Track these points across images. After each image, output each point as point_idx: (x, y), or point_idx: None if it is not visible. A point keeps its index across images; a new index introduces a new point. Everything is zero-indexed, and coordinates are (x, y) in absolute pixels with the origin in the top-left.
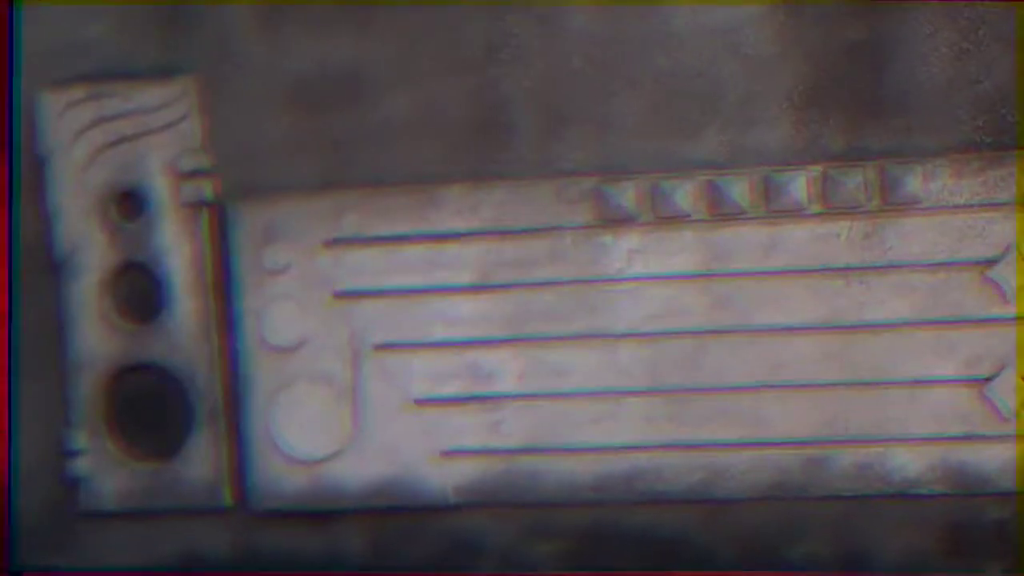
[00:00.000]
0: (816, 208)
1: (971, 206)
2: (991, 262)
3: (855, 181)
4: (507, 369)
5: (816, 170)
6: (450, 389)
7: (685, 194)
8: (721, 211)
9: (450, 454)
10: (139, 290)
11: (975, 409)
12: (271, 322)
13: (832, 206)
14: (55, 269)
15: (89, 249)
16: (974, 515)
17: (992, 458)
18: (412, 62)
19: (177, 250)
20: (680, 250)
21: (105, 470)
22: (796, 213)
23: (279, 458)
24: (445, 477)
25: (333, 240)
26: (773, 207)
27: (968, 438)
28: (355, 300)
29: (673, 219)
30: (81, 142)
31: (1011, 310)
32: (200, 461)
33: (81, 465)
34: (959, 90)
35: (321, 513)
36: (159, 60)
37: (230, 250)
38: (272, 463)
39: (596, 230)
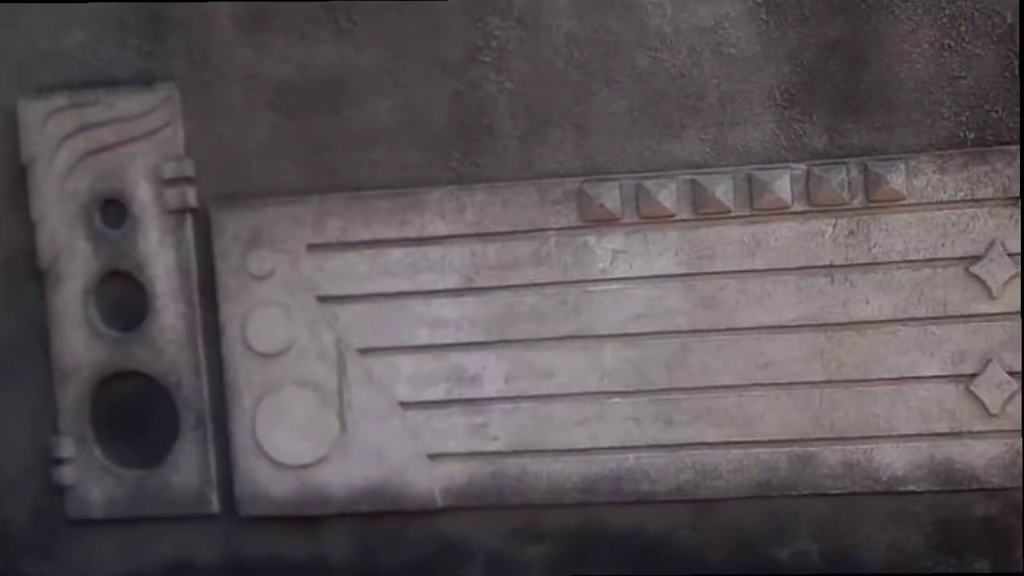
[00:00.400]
0: (800, 206)
1: (955, 202)
2: (975, 258)
3: (839, 179)
4: (492, 371)
5: (800, 168)
6: (435, 392)
7: (669, 194)
8: (705, 210)
9: (437, 457)
10: (123, 297)
11: (961, 405)
12: (256, 327)
13: (816, 204)
14: (38, 277)
15: (72, 256)
16: (961, 511)
17: (979, 454)
18: (393, 66)
19: (160, 257)
20: (664, 250)
21: (91, 477)
22: (780, 211)
23: (266, 463)
24: (432, 480)
25: (316, 245)
26: (757, 206)
27: (955, 434)
28: (339, 304)
29: (657, 219)
30: (63, 150)
31: (996, 306)
32: (187, 467)
33: (67, 472)
34: (941, 86)
35: (308, 518)
36: (141, 68)
37: (214, 256)
38: (259, 468)
39: (579, 231)
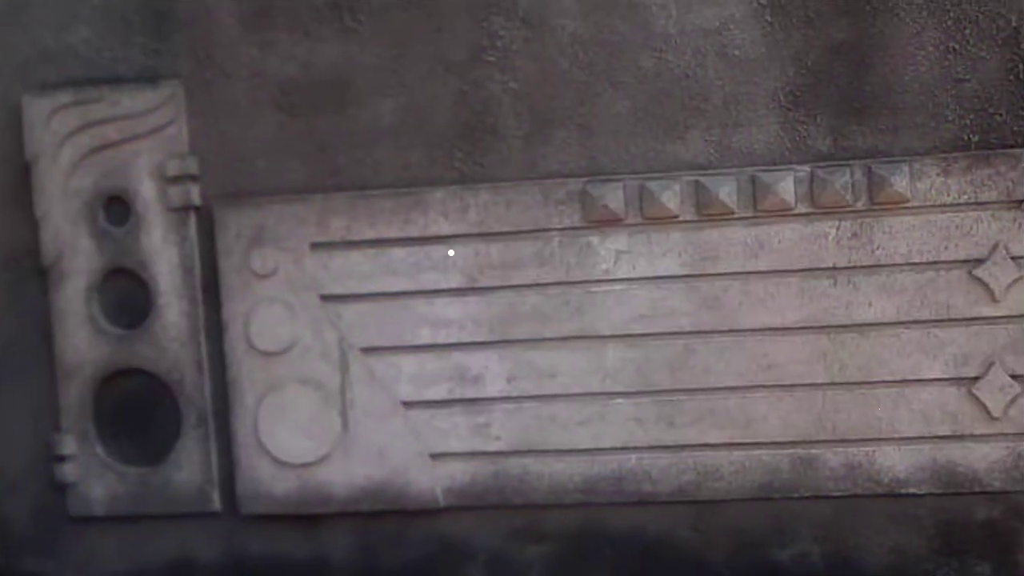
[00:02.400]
0: (803, 208)
1: (958, 205)
2: (979, 261)
3: (842, 181)
4: (494, 371)
5: (803, 170)
6: (438, 392)
7: (672, 195)
8: (708, 212)
9: (438, 457)
10: (126, 295)
11: (963, 408)
12: (258, 326)
13: (819, 206)
14: (41, 274)
15: (75, 254)
16: (963, 514)
17: (981, 457)
18: (397, 65)
19: (164, 254)
20: (667, 251)
21: (93, 475)
22: (783, 213)
23: (268, 462)
24: (434, 480)
25: (320, 243)
26: (760, 207)
27: (957, 437)
28: (342, 303)
29: (660, 220)
30: (67, 147)
31: (999, 309)
32: (189, 465)
33: (69, 470)
34: (945, 89)
35: (310, 516)
36: (145, 65)
37: (217, 254)
38: (261, 467)
39: (583, 231)
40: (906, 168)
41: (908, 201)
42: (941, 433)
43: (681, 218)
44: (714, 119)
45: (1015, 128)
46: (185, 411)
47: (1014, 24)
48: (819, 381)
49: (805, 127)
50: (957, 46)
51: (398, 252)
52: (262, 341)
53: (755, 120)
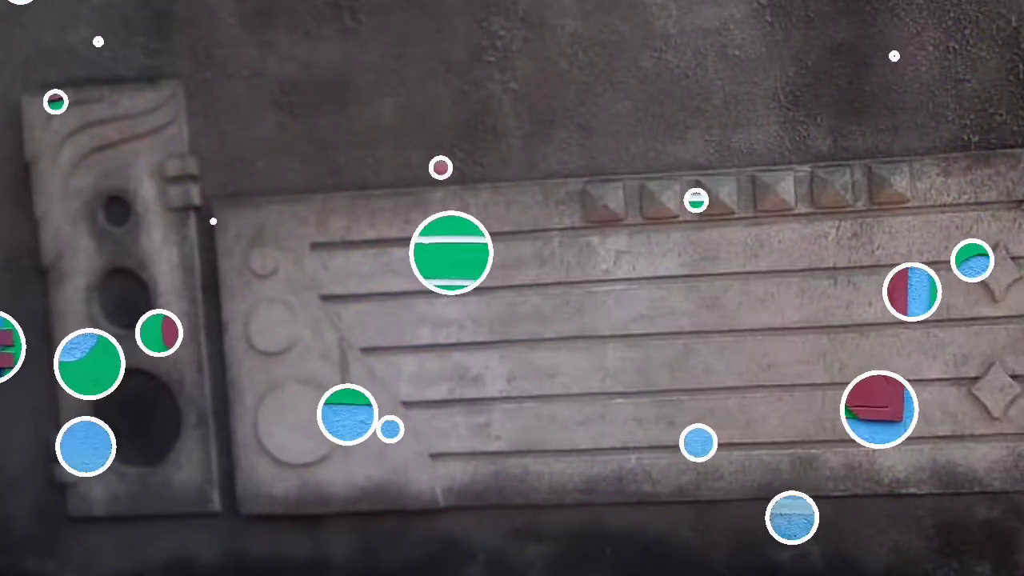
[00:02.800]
0: (803, 208)
1: (958, 205)
2: None
3: (842, 181)
4: (494, 371)
5: (803, 170)
6: (438, 392)
7: (672, 195)
8: (708, 212)
9: (438, 456)
10: (126, 295)
11: (963, 408)
12: (258, 325)
13: (819, 206)
14: (42, 274)
15: (75, 254)
16: (963, 514)
17: (981, 457)
18: (398, 65)
19: (164, 254)
20: (667, 251)
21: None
22: (783, 213)
23: (268, 462)
24: (433, 480)
25: (320, 243)
26: (760, 207)
27: (957, 437)
28: (342, 303)
29: (660, 220)
30: (67, 147)
31: (999, 309)
32: (188, 465)
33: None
34: (945, 89)
35: (310, 516)
36: (146, 65)
37: (217, 254)
38: (261, 467)
39: (583, 231)
40: (906, 168)
41: (908, 201)
42: (941, 433)
43: (681, 218)
44: (714, 119)
45: (1015, 128)
46: (185, 411)
47: (1014, 24)
48: (819, 381)
49: (805, 127)
50: (957, 46)
51: (398, 252)
52: (262, 341)
53: (755, 120)
